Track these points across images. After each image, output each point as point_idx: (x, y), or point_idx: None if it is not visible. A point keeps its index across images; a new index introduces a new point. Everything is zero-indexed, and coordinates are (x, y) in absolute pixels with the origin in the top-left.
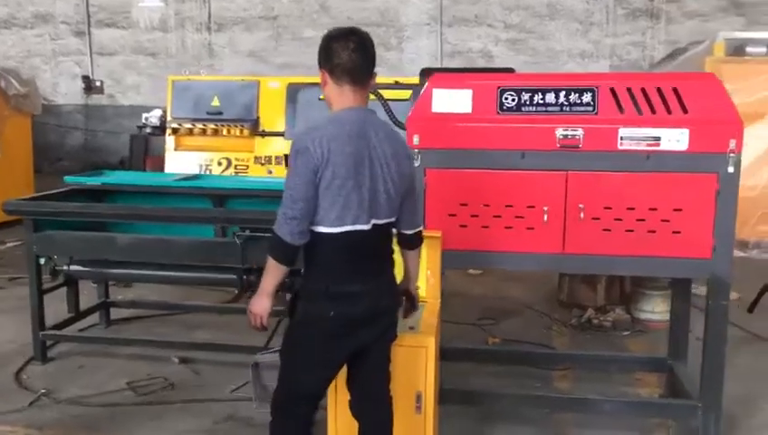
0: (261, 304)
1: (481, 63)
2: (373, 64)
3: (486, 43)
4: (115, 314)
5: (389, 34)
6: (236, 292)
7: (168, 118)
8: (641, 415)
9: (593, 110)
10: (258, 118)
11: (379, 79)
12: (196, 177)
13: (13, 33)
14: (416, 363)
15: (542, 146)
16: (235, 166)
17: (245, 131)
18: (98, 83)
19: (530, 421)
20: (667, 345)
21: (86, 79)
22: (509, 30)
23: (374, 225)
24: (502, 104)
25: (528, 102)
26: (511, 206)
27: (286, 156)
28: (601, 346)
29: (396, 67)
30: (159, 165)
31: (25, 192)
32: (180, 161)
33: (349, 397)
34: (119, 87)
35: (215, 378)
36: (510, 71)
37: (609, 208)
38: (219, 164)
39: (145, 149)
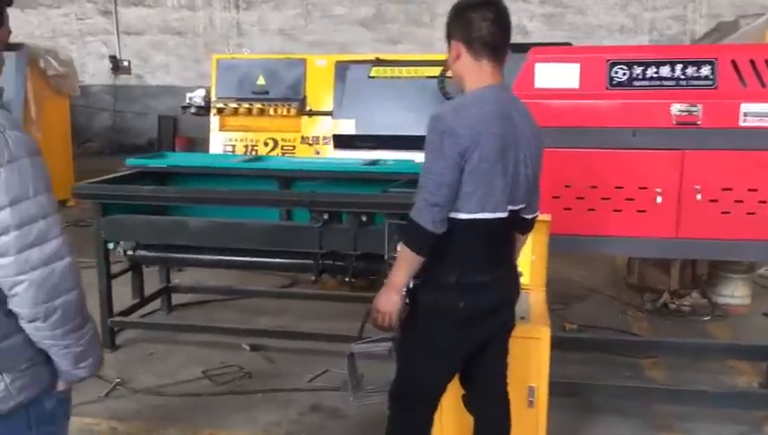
0: (390, 300)
1: (516, 39)
2: (510, 38)
3: (521, 18)
4: (174, 299)
5: (421, 11)
6: (313, 278)
7: (213, 98)
8: (748, 407)
9: (713, 84)
10: (305, 97)
11: (413, 55)
12: (258, 158)
13: (39, 14)
14: (529, 355)
15: (655, 123)
16: (282, 146)
17: (292, 111)
18: (125, 63)
19: (629, 414)
20: (750, 331)
21: (113, 59)
22: (544, 4)
23: (510, 211)
24: (611, 79)
25: (640, 77)
26: (621, 187)
27: (335, 136)
28: (684, 332)
29: (427, 44)
30: (189, 146)
31: (65, 175)
32: (225, 142)
33: (463, 391)
34: (147, 67)
35: (290, 366)
36: (567, 44)
37: (729, 190)
38: (265, 144)
39: (174, 130)
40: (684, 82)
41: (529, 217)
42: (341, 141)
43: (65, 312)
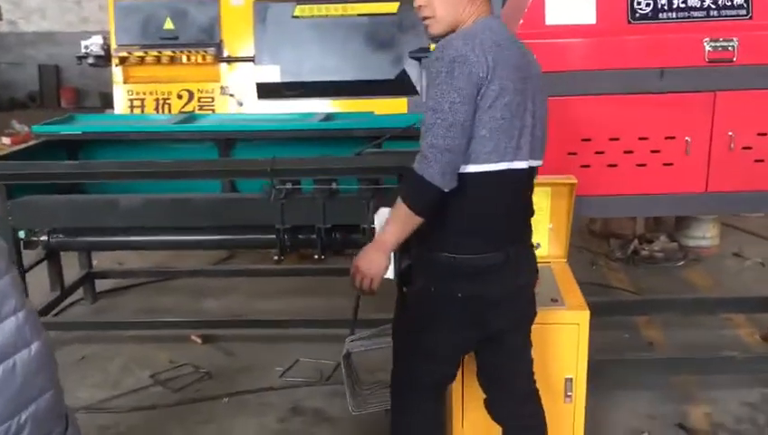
0: (376, 260)
1: None
2: None
3: None
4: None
5: None
6: (276, 258)
7: (113, 45)
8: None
9: (747, 13)
10: (222, 41)
11: None
12: (190, 117)
13: None
14: (565, 344)
15: (685, 62)
16: (199, 99)
17: (208, 58)
18: None
19: (647, 386)
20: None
21: None
22: None
23: (530, 166)
24: (634, 11)
25: (666, 7)
26: (645, 138)
27: (258, 84)
28: (664, 282)
29: None
30: (76, 98)
31: None
32: (132, 96)
33: (484, 395)
34: (18, 11)
35: (254, 359)
36: None
37: (765, 135)
38: (179, 97)
39: (57, 81)
40: (716, 13)
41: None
42: (266, 90)
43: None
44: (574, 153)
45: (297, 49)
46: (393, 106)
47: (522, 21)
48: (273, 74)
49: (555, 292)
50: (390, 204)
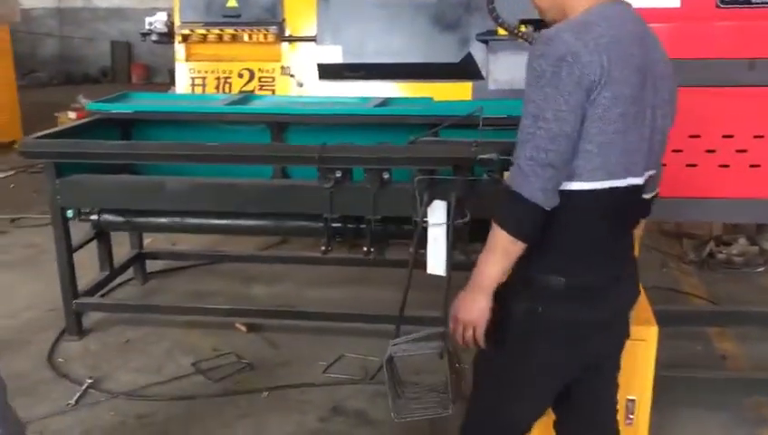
0: (477, 306)
1: None
2: None
3: None
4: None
5: None
6: (323, 249)
7: (177, 23)
8: None
9: None
10: (284, 20)
11: None
12: (246, 98)
13: None
14: (629, 361)
15: None
16: (259, 78)
17: (270, 37)
18: None
19: (716, 406)
20: None
21: None
22: None
23: (646, 178)
24: None
25: None
26: (730, 136)
27: (320, 65)
28: (742, 289)
29: None
30: (146, 75)
31: (10, 112)
32: (193, 74)
33: (555, 417)
34: None
35: (297, 351)
36: None
37: None
38: (240, 76)
39: (129, 57)
40: None
41: (648, 195)
42: (327, 71)
43: None
44: None
45: (360, 29)
46: (457, 90)
47: None
48: (334, 55)
49: None
50: (445, 196)
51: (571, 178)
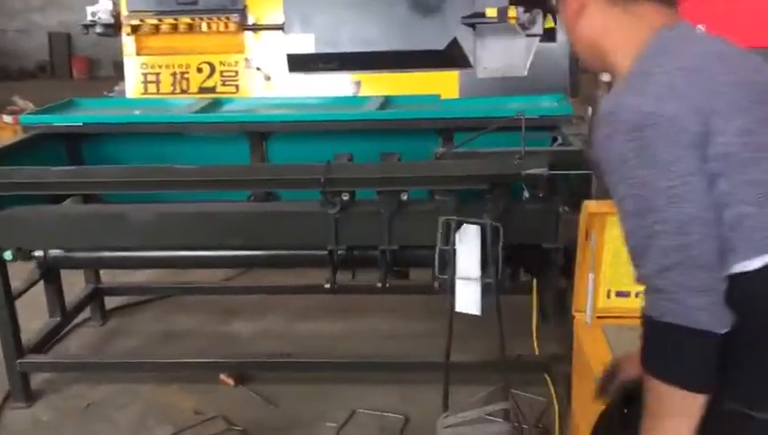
0: None
1: None
2: None
3: None
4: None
5: None
6: (328, 286)
7: (124, 12)
8: None
9: None
10: (246, 7)
11: None
12: (216, 103)
13: None
14: None
15: None
16: (221, 72)
17: (231, 25)
18: None
19: None
20: None
21: None
22: None
23: None
24: None
25: None
26: None
27: (289, 56)
28: None
29: None
30: (89, 68)
31: None
32: (144, 70)
33: None
34: None
35: (298, 409)
36: None
37: None
38: (199, 71)
39: (69, 50)
40: None
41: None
42: (297, 62)
43: None
44: None
45: (333, 15)
46: (442, 80)
47: None
48: (305, 44)
49: None
50: (476, 215)
51: (732, 259)
